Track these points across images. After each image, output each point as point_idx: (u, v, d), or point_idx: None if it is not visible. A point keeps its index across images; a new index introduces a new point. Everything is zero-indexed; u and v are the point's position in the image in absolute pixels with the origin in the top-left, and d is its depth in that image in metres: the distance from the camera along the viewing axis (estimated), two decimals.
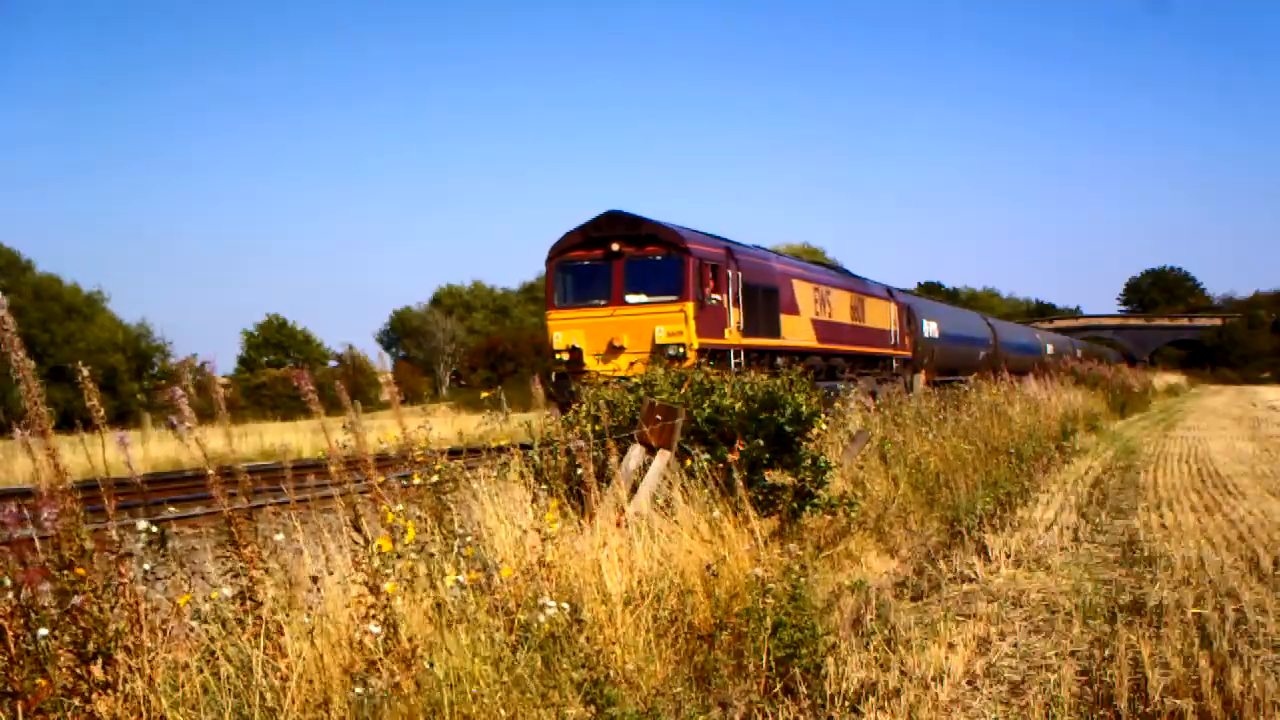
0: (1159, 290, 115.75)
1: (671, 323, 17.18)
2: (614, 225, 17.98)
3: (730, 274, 18.54)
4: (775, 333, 20.34)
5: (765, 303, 20.03)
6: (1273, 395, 44.53)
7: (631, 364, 16.78)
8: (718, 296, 18.03)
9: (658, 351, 16.64)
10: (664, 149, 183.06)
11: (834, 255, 78.23)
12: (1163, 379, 56.34)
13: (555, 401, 15.61)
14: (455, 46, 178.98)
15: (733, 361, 17.75)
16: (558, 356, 17.62)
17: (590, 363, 17.15)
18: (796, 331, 21.44)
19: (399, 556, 4.33)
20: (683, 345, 16.94)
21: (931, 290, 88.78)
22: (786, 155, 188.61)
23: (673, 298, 17.36)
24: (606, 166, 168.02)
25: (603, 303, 17.79)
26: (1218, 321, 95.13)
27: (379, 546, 4.04)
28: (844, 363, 23.80)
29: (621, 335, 17.36)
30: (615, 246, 17.74)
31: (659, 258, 17.69)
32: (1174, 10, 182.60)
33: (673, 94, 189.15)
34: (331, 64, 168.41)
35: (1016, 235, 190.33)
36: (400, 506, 4.55)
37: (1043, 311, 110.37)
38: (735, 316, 18.60)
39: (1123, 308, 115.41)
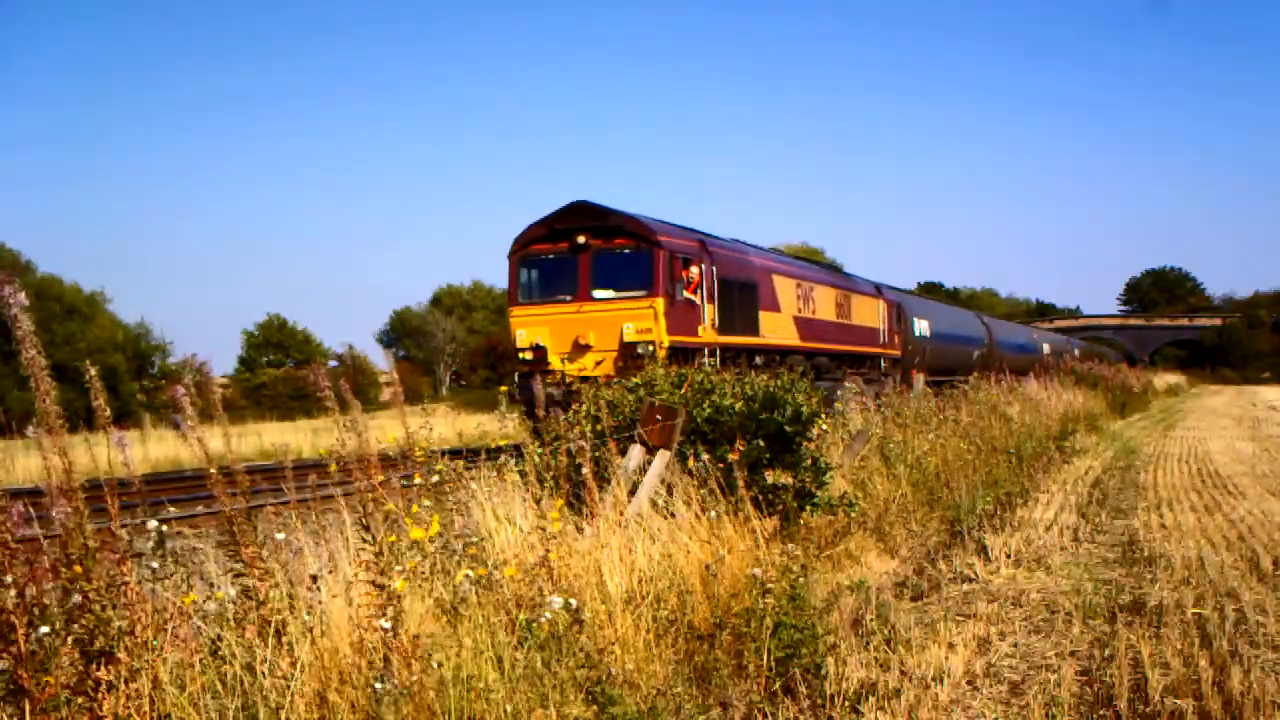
0: (1159, 290, 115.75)
1: (640, 319, 16.33)
2: (579, 216, 17.05)
3: (704, 268, 17.69)
4: (754, 330, 19.50)
5: (743, 298, 19.16)
6: (1273, 395, 44.54)
7: (598, 363, 16.19)
8: (690, 292, 17.23)
9: (625, 350, 16.00)
10: (664, 149, 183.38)
11: (833, 255, 78.31)
12: (1163, 379, 56.34)
13: (522, 404, 15.11)
14: (455, 46, 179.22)
15: (707, 361, 16.83)
16: (520, 356, 16.78)
17: (555, 362, 16.43)
18: (777, 329, 20.61)
19: (420, 552, 4.37)
20: (652, 343, 16.10)
21: (931, 290, 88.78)
22: (786, 155, 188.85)
23: (641, 293, 16.51)
24: (607, 167, 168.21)
25: (568, 299, 16.89)
26: (1218, 321, 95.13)
27: (394, 540, 4.06)
28: (829, 362, 22.88)
29: (588, 333, 16.51)
30: (581, 239, 16.83)
31: (627, 251, 16.80)
32: (1174, 10, 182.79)
33: (673, 94, 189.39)
34: (331, 64, 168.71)
35: (1016, 235, 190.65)
36: (428, 503, 4.60)
37: (1043, 311, 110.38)
38: (710, 313, 17.73)
39: (1123, 308, 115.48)
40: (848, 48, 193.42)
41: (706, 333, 17.60)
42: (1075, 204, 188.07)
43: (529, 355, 16.64)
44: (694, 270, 17.41)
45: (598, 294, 16.80)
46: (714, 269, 18.11)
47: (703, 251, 17.96)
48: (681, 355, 15.89)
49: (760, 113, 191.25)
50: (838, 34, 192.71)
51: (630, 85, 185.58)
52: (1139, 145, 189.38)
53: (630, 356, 15.85)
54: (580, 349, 16.51)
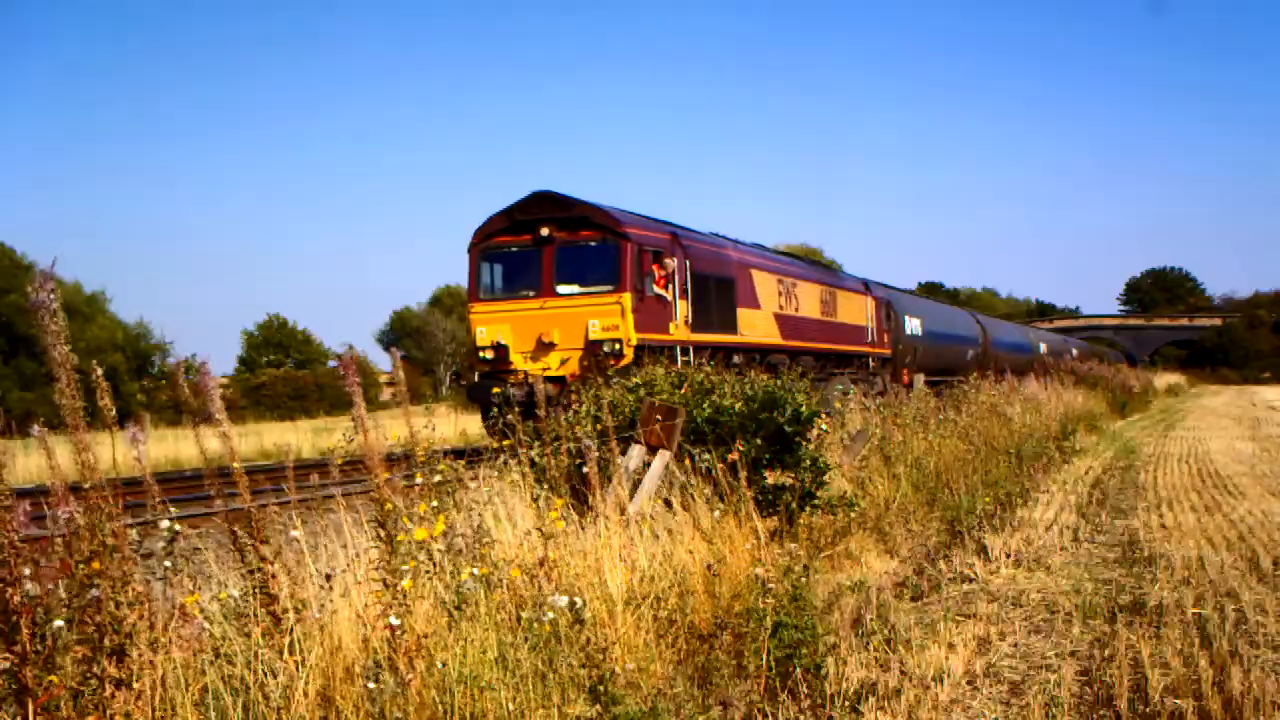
0: (1159, 290, 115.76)
1: (606, 316, 15.59)
2: (543, 207, 16.20)
3: (676, 262, 16.93)
4: (731, 328, 18.70)
5: (719, 295, 18.37)
6: (1273, 395, 44.53)
7: (563, 362, 15.64)
8: (661, 288, 16.50)
9: (591, 348, 15.43)
10: (665, 150, 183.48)
11: (832, 255, 78.20)
12: (1163, 379, 56.35)
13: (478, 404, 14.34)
14: (455, 47, 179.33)
15: (679, 360, 16.06)
16: (481, 355, 16.10)
17: (517, 360, 15.83)
18: (756, 327, 19.79)
19: (425, 551, 4.39)
20: (619, 341, 15.45)
21: (931, 290, 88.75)
22: (785, 155, 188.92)
23: (608, 288, 15.74)
24: (606, 167, 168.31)
25: (531, 294, 16.13)
26: (1218, 321, 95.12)
27: (399, 539, 4.07)
28: (813, 362, 21.88)
29: (552, 330, 15.78)
30: (545, 231, 16.03)
31: (593, 243, 16.05)
32: (1174, 10, 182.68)
33: (674, 95, 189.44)
34: (331, 64, 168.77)
35: (1016, 235, 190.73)
36: (435, 503, 4.62)
37: (1043, 311, 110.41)
38: (682, 309, 16.95)
39: (1123, 308, 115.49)
40: (848, 47, 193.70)
41: (679, 330, 16.91)
42: (1075, 204, 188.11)
43: (490, 354, 16.00)
44: (665, 264, 16.70)
45: (562, 289, 16.11)
46: (687, 263, 17.37)
47: (675, 245, 17.22)
48: (652, 355, 15.03)
49: (759, 113, 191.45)
50: (838, 34, 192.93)
51: (630, 86, 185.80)
52: (1139, 145, 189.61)
53: (596, 355, 15.32)
54: (544, 347, 15.85)
